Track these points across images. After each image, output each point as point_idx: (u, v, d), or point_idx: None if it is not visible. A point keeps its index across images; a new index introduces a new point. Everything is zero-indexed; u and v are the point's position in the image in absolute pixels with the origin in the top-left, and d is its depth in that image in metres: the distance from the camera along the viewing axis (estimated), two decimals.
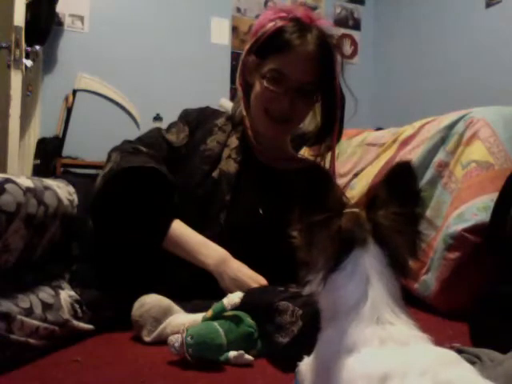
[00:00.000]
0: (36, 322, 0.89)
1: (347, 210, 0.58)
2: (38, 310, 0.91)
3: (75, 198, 1.14)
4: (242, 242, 1.15)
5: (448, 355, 0.48)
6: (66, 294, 1.01)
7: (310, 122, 1.31)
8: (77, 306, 1.02)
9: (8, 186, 0.90)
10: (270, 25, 1.19)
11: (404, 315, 0.53)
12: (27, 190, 0.94)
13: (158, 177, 1.12)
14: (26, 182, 0.96)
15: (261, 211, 1.19)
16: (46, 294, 0.96)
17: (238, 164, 1.23)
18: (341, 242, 0.55)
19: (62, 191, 1.09)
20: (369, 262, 0.54)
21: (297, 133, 1.33)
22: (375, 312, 0.51)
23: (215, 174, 1.21)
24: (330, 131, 1.26)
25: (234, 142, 1.26)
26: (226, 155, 1.24)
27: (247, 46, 1.25)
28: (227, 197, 1.19)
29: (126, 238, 1.11)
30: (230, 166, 1.22)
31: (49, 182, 1.07)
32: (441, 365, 0.46)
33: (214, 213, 1.18)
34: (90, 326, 1.04)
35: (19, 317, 0.86)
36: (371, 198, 0.58)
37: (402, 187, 0.56)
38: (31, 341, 0.88)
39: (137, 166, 1.10)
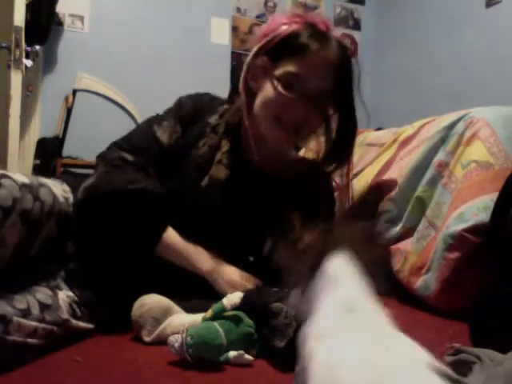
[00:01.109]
0: (34, 323, 0.89)
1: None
2: (35, 310, 0.91)
3: (70, 196, 1.13)
4: (232, 252, 1.14)
5: (400, 339, 0.50)
6: (65, 295, 1.01)
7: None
8: (75, 306, 1.02)
9: (3, 181, 0.90)
10: (284, 28, 1.11)
11: (372, 307, 0.56)
12: (23, 186, 0.94)
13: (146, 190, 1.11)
14: (22, 177, 0.96)
15: (251, 259, 1.17)
16: (43, 294, 0.96)
17: (229, 170, 1.17)
18: (313, 256, 0.61)
19: (57, 189, 1.09)
20: (338, 266, 0.59)
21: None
22: (343, 306, 0.55)
23: (204, 181, 1.16)
24: (343, 151, 1.19)
25: (226, 144, 1.20)
26: (218, 159, 1.18)
27: (255, 49, 1.15)
28: (216, 205, 1.16)
29: (116, 247, 1.10)
30: (220, 172, 1.17)
31: (44, 179, 1.06)
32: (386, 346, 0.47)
33: (202, 222, 1.16)
34: (89, 325, 1.04)
35: (16, 318, 0.85)
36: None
37: (364, 209, 0.69)
38: (30, 341, 0.88)
39: (118, 189, 1.08)
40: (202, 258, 1.11)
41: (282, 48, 1.10)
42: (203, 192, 1.16)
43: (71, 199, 1.12)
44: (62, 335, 0.96)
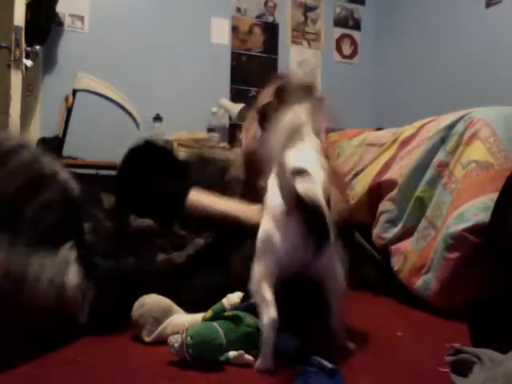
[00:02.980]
0: (45, 284, 0.94)
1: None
2: (48, 273, 0.96)
3: (75, 184, 1.19)
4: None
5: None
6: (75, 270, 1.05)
7: None
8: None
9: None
10: None
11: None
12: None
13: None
14: None
15: None
16: (56, 260, 1.00)
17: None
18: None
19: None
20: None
21: None
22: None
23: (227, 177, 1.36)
24: None
25: None
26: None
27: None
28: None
29: (150, 204, 1.21)
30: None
31: None
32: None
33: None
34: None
35: (31, 277, 0.91)
36: None
37: None
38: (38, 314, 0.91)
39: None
40: (243, 208, 1.20)
41: None
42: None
43: (75, 185, 1.18)
44: (65, 309, 0.99)
